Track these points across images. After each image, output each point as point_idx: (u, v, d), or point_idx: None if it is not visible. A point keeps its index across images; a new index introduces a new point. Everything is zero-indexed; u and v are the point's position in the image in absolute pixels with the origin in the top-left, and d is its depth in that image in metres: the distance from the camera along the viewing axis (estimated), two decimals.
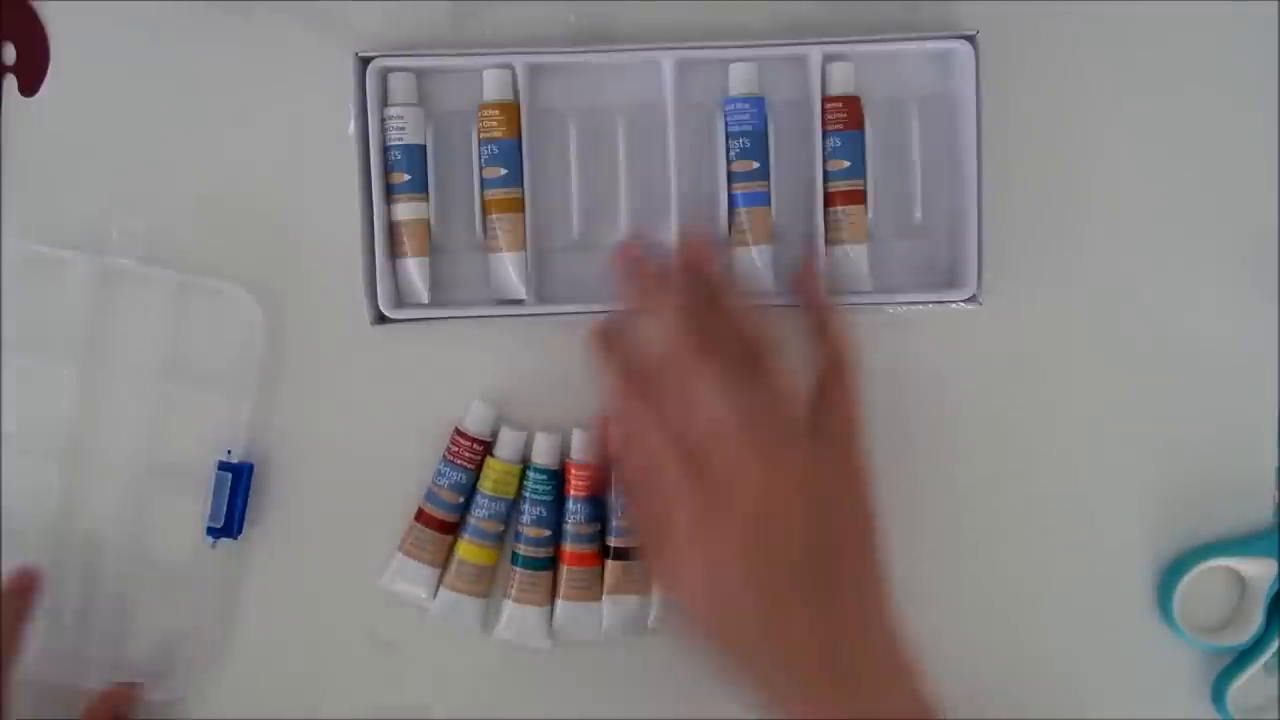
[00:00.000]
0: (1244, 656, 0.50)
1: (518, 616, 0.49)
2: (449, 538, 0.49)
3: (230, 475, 0.48)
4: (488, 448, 0.49)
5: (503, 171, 0.48)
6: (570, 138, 0.49)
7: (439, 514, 0.48)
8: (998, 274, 0.48)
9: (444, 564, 0.49)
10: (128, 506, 0.49)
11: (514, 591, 0.49)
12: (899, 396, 0.49)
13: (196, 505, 0.49)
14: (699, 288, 0.43)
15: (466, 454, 0.48)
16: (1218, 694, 0.50)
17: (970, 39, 0.47)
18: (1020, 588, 0.50)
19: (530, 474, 0.49)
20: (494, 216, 0.48)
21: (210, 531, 0.48)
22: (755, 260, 0.48)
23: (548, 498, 0.48)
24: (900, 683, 0.39)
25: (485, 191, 0.48)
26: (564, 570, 0.49)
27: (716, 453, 0.39)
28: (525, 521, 0.48)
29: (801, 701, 0.38)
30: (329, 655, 0.50)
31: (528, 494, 0.49)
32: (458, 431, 0.49)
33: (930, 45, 0.48)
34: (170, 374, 0.49)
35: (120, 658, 0.49)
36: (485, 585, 0.49)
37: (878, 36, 0.48)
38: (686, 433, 0.39)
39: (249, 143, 0.50)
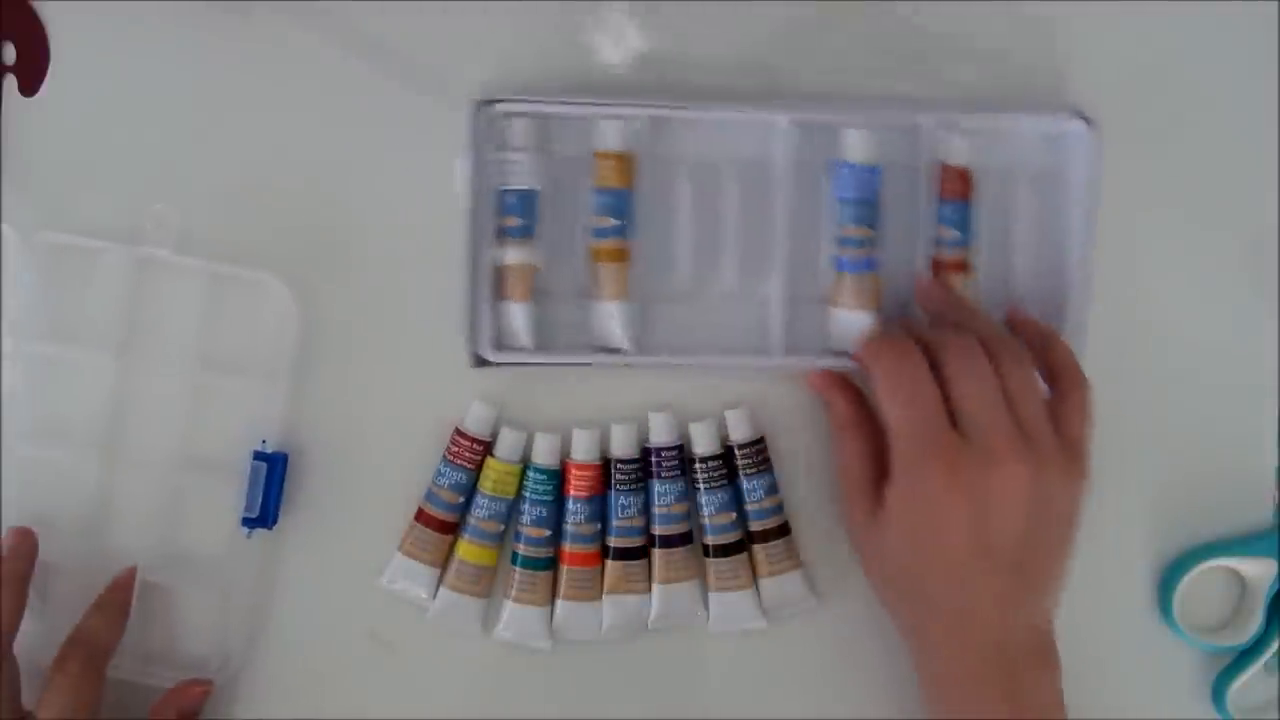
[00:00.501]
0: (1244, 656, 0.50)
1: (518, 616, 0.49)
2: (449, 538, 0.49)
3: (265, 465, 0.48)
4: (488, 448, 0.49)
5: (614, 221, 0.48)
6: (681, 189, 0.49)
7: (439, 514, 0.48)
8: None
9: (444, 564, 0.49)
10: (163, 497, 0.49)
11: (514, 591, 0.49)
12: None
13: (231, 496, 0.48)
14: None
15: (467, 454, 0.48)
16: (1218, 694, 0.50)
17: (1085, 119, 0.48)
18: None
19: (530, 474, 0.49)
20: (601, 265, 0.48)
21: (245, 522, 0.48)
22: (855, 325, 0.48)
23: (548, 498, 0.48)
24: (1051, 674, 0.43)
25: (595, 240, 0.48)
26: (564, 570, 0.49)
27: (990, 427, 0.42)
28: (525, 521, 0.48)
29: (957, 660, 0.43)
30: (333, 652, 0.50)
31: (528, 494, 0.49)
32: (458, 431, 0.49)
33: (1043, 122, 0.49)
34: (205, 364, 0.49)
35: (153, 649, 0.49)
36: (485, 585, 0.49)
37: (989, 110, 0.49)
38: (966, 396, 0.42)
39: (253, 141, 0.50)
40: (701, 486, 0.49)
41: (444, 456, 0.49)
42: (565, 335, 0.49)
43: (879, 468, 0.45)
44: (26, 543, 0.47)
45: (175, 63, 0.50)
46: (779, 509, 0.49)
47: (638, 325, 0.49)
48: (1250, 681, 0.50)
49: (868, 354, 0.45)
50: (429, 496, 0.49)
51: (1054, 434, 0.43)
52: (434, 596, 0.49)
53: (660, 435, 0.49)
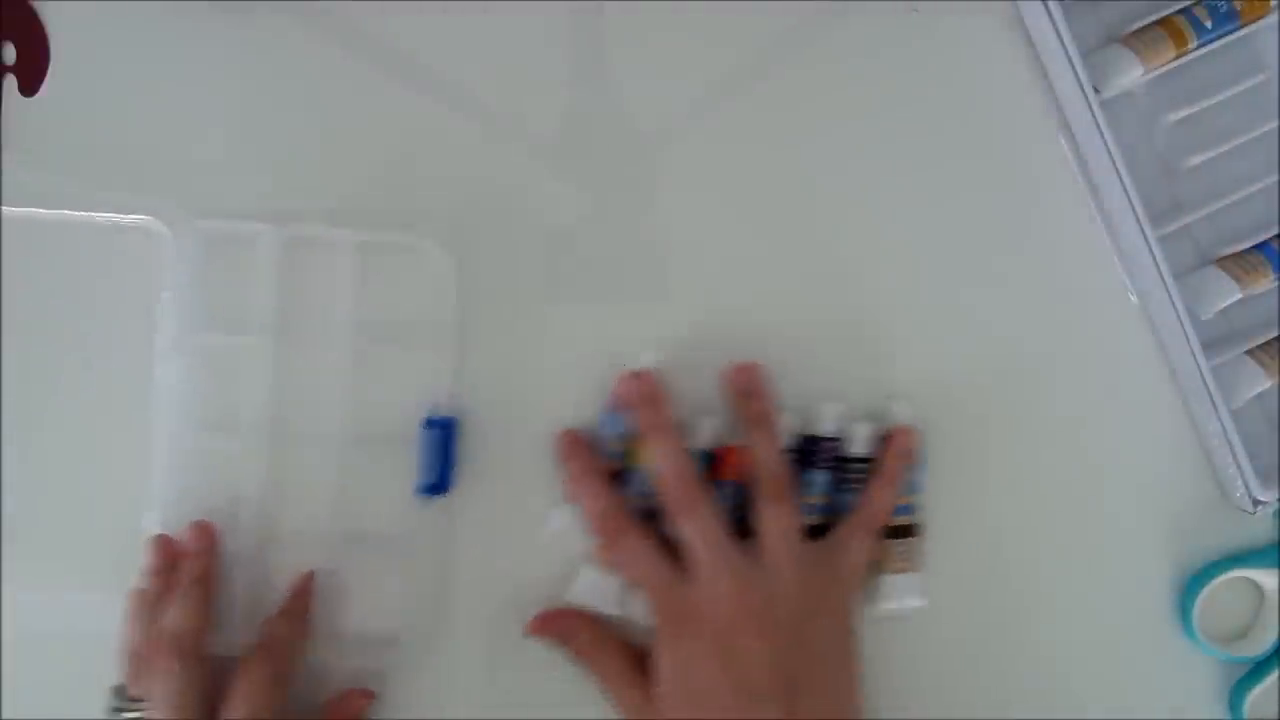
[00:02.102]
0: (1262, 666, 0.49)
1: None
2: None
3: (437, 430, 0.47)
4: None
5: None
6: None
7: (604, 462, 0.48)
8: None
9: None
10: (335, 475, 0.48)
11: None
12: (924, 406, 0.48)
13: (402, 467, 0.47)
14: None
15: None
16: (1235, 703, 0.50)
17: None
18: (1041, 596, 0.49)
19: None
20: None
21: (421, 489, 0.47)
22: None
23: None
24: None
25: None
26: None
27: (703, 559, 0.43)
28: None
29: None
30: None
31: None
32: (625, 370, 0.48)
33: None
34: (365, 336, 0.48)
35: (341, 628, 0.48)
36: None
37: None
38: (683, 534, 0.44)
39: (256, 140, 0.49)
40: (849, 485, 0.48)
41: (608, 406, 0.48)
42: None
43: (639, 660, 0.45)
44: (208, 538, 0.46)
45: (175, 63, 0.49)
46: (914, 509, 0.48)
47: None
48: (1267, 691, 0.49)
49: (599, 545, 0.47)
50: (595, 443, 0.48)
51: (799, 557, 0.44)
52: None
53: (825, 426, 0.48)
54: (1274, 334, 0.50)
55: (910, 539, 0.48)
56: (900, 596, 0.48)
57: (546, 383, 0.49)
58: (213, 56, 0.49)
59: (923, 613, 0.48)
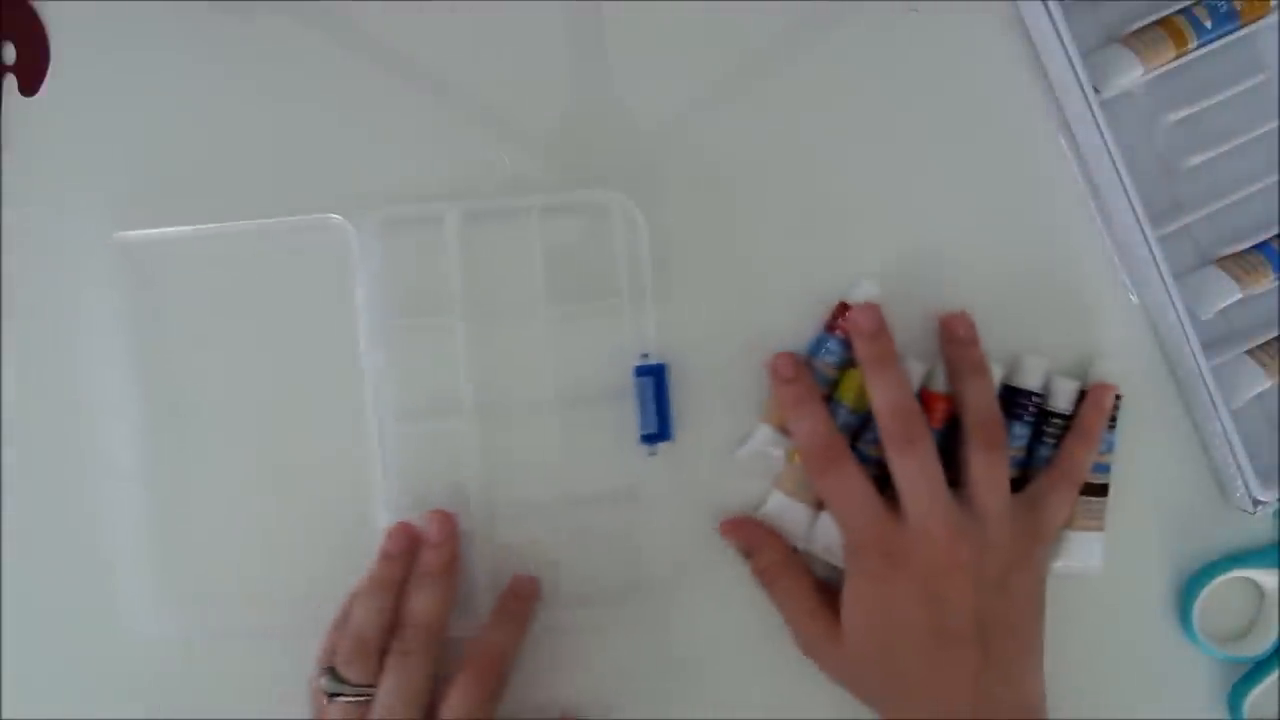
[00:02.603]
0: (1261, 666, 0.49)
1: (833, 528, 0.47)
2: None
3: (650, 378, 0.47)
4: None
5: None
6: None
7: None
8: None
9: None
10: (552, 440, 0.48)
11: None
12: None
13: (614, 423, 0.48)
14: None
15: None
16: (1234, 703, 0.50)
17: None
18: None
19: None
20: None
21: (645, 439, 0.47)
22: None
23: None
24: None
25: None
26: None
27: (928, 510, 0.43)
28: (869, 439, 0.47)
29: None
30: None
31: None
32: (842, 304, 0.48)
33: None
34: (558, 298, 0.48)
35: (584, 590, 0.48)
36: (815, 494, 0.48)
37: None
38: (905, 480, 0.43)
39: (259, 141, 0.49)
40: (1045, 440, 0.48)
41: (825, 329, 0.48)
42: None
43: (820, 592, 0.46)
44: (449, 526, 0.46)
45: (175, 63, 0.49)
46: (1108, 468, 0.48)
47: None
48: (1266, 691, 0.49)
49: (811, 470, 0.46)
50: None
51: (1009, 509, 0.44)
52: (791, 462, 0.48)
53: (1029, 379, 0.48)
54: (1274, 334, 0.50)
55: (1102, 498, 0.48)
56: (1084, 556, 0.48)
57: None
58: (213, 56, 0.49)
59: None
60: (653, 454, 0.48)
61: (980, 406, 0.45)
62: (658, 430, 0.47)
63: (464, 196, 0.48)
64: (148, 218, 0.48)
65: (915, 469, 0.43)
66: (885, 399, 0.44)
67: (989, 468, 0.44)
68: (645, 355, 0.47)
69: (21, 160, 0.49)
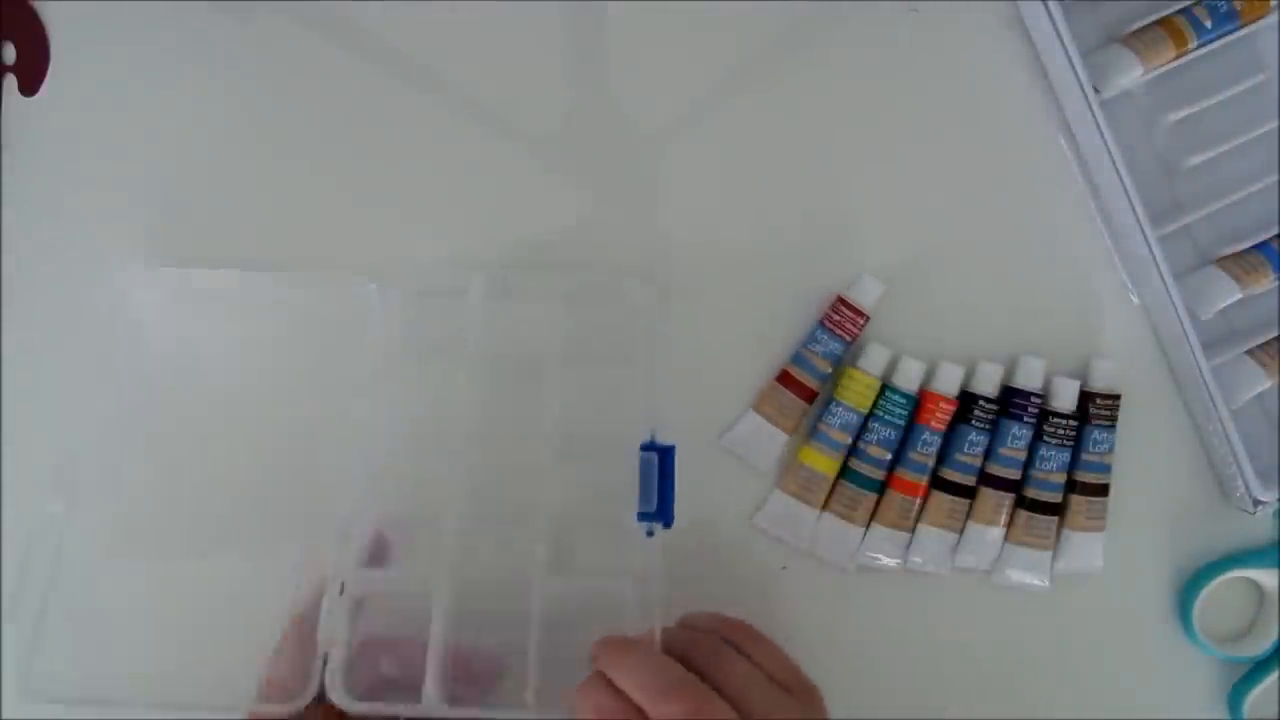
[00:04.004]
0: (1261, 666, 0.49)
1: (834, 531, 0.48)
2: (808, 406, 0.48)
3: (656, 457, 0.44)
4: (867, 320, 0.48)
5: None
6: None
7: (806, 379, 0.48)
8: None
9: (793, 431, 0.48)
10: (551, 490, 0.45)
11: (836, 506, 0.48)
12: None
13: (617, 497, 0.44)
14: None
15: (848, 324, 0.48)
16: (1235, 703, 0.49)
17: None
18: (1041, 596, 0.49)
19: (888, 394, 0.48)
20: None
21: (642, 516, 0.44)
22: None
23: (899, 421, 0.48)
24: None
25: None
26: (892, 495, 0.48)
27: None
28: (870, 440, 0.48)
29: None
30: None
31: (880, 413, 0.48)
32: (840, 299, 0.48)
33: None
34: (572, 363, 0.46)
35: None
36: (819, 495, 0.48)
37: None
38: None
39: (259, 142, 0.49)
40: (1047, 440, 0.48)
41: (820, 323, 0.48)
42: None
43: None
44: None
45: (176, 63, 0.49)
46: (1109, 469, 0.48)
47: None
48: (1267, 691, 0.49)
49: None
50: (797, 360, 0.48)
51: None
52: (777, 460, 0.48)
53: (1029, 380, 0.48)
54: (1274, 334, 0.50)
55: (1102, 498, 0.48)
56: (1084, 556, 0.48)
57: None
58: (213, 57, 0.49)
59: (924, 613, 0.48)
60: (649, 535, 0.44)
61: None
62: (656, 510, 0.44)
63: (486, 259, 0.48)
64: (147, 217, 0.49)
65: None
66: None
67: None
68: (652, 433, 0.45)
69: (21, 160, 0.49)
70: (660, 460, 0.44)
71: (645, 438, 0.45)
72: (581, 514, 0.45)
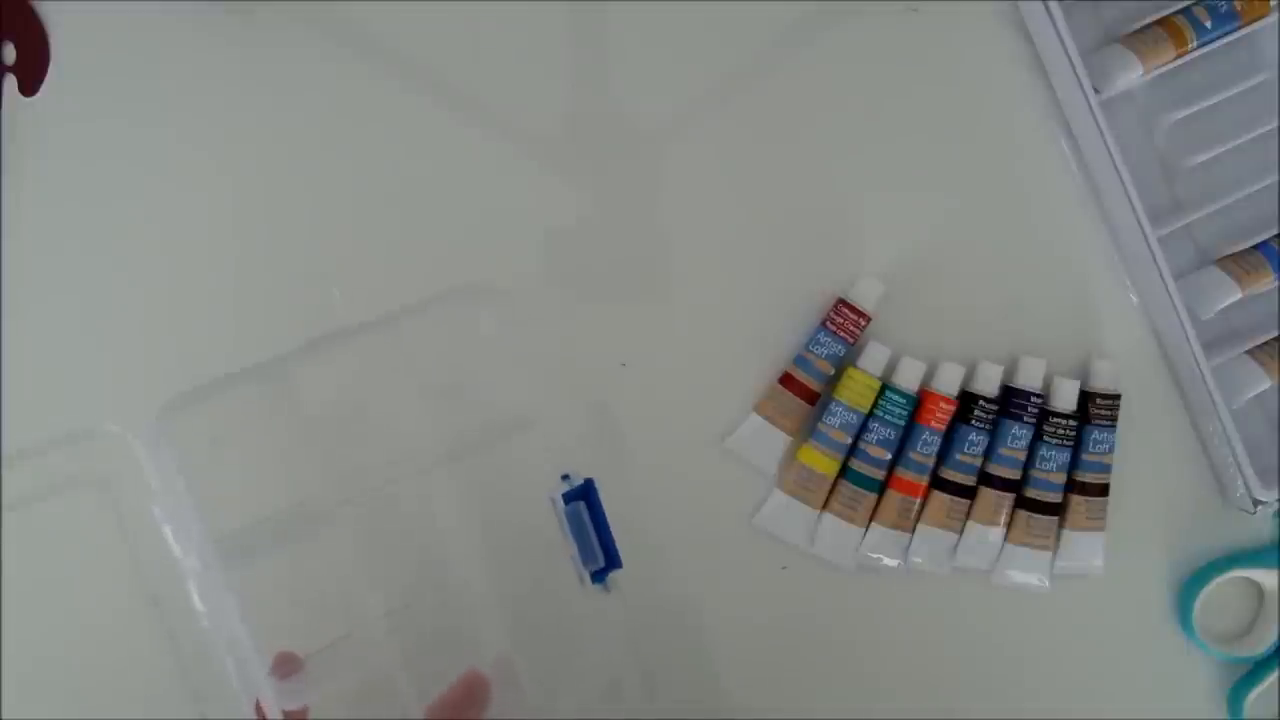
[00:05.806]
0: (1261, 666, 0.49)
1: (835, 531, 0.48)
2: (809, 408, 0.48)
3: (580, 503, 0.39)
4: (869, 321, 0.48)
5: None
6: None
7: (808, 382, 0.48)
8: None
9: (795, 432, 0.48)
10: (481, 568, 0.40)
11: (837, 506, 0.48)
12: None
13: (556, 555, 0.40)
14: None
15: (849, 326, 0.48)
16: (1234, 703, 0.50)
17: None
18: (1041, 595, 0.49)
19: (888, 394, 0.48)
20: None
21: (595, 576, 0.39)
22: None
23: (899, 421, 0.48)
24: None
25: None
26: (892, 496, 0.48)
27: None
28: (870, 440, 0.48)
29: None
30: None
31: (880, 413, 0.48)
32: (841, 301, 0.48)
33: None
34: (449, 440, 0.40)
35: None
36: (819, 495, 0.48)
37: None
38: None
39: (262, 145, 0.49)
40: (1047, 440, 0.48)
41: (823, 325, 0.48)
42: None
43: None
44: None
45: (176, 63, 0.49)
46: (1109, 469, 0.48)
47: None
48: (1266, 691, 0.49)
49: None
50: (800, 362, 0.48)
51: None
52: (779, 462, 0.48)
53: (1029, 380, 0.48)
54: (1274, 334, 0.50)
55: (1102, 498, 0.48)
56: (1084, 556, 0.48)
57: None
58: (213, 57, 0.49)
59: (922, 614, 0.49)
60: (607, 591, 0.40)
61: None
62: (605, 563, 0.39)
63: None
64: (147, 218, 0.48)
65: None
66: None
67: None
68: (566, 477, 0.39)
69: (21, 160, 0.49)
70: (587, 501, 0.39)
71: (560, 487, 0.38)
72: (533, 617, 0.40)
